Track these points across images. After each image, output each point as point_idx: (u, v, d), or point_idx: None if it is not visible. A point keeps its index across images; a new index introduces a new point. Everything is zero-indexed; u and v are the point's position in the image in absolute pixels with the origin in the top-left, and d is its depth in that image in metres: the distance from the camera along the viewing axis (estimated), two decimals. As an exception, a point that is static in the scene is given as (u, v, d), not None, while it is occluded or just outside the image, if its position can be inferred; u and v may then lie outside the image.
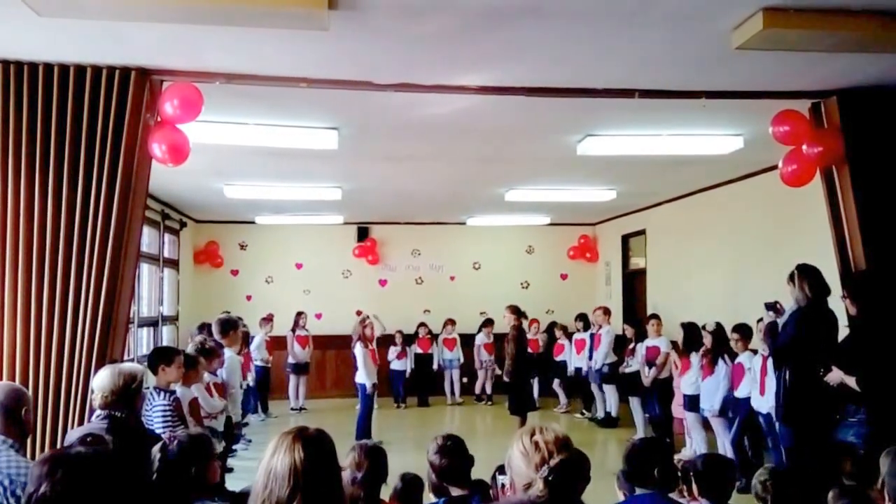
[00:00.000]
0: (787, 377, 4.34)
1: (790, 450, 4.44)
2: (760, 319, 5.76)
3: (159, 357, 4.31)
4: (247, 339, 9.51)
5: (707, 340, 6.95)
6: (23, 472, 2.49)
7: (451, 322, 11.48)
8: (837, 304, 4.52)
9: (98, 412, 3.08)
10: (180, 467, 2.67)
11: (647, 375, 8.11)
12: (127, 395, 3.08)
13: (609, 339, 9.35)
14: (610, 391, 9.42)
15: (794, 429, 4.42)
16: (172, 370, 4.25)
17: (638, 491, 2.94)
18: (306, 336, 10.74)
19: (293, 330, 10.65)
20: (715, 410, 6.75)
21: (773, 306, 5.18)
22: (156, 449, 2.73)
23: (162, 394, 4.13)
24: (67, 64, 3.99)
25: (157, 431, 3.88)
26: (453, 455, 3.19)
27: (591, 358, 9.66)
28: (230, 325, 5.96)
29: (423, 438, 8.45)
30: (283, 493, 1.83)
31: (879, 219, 4.48)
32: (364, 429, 8.26)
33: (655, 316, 8.49)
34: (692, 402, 7.12)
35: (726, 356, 6.74)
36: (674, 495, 3.40)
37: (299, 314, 10.72)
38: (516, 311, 8.10)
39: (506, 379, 7.87)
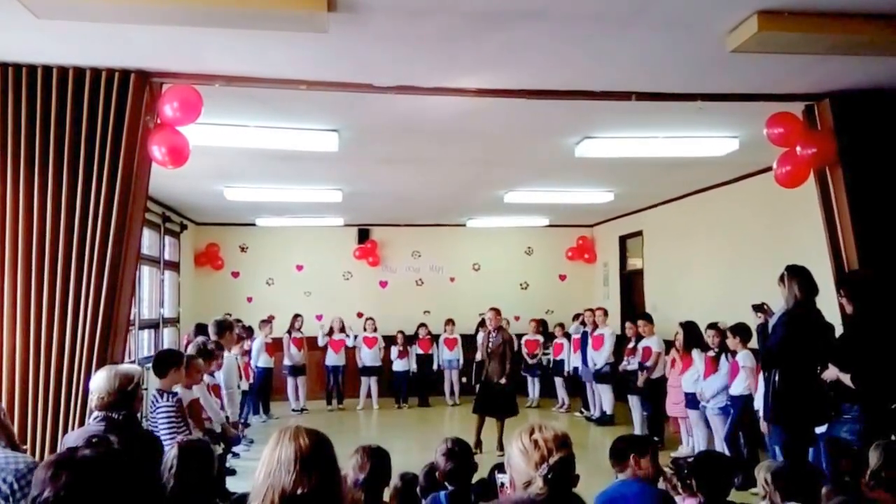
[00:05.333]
0: (776, 378, 4.36)
1: (782, 448, 4.46)
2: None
3: (171, 360, 4.35)
4: (250, 335, 9.57)
5: (713, 341, 6.98)
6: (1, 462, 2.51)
7: (451, 322, 11.50)
8: (828, 303, 4.55)
9: (95, 414, 3.08)
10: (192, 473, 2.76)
11: (642, 375, 8.19)
12: (124, 397, 3.07)
13: (612, 340, 9.36)
14: (605, 390, 9.44)
15: (782, 427, 4.44)
16: (182, 372, 4.35)
17: (620, 477, 3.29)
18: (301, 338, 10.76)
19: (289, 332, 10.68)
20: (717, 408, 6.78)
21: (759, 307, 5.18)
22: (171, 455, 2.80)
23: (165, 395, 4.15)
24: (66, 66, 4.01)
25: (162, 433, 3.91)
26: (460, 459, 3.34)
27: (584, 357, 9.69)
28: (226, 327, 5.99)
29: (423, 438, 8.46)
30: (287, 479, 1.81)
31: (872, 219, 4.52)
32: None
33: (643, 316, 8.55)
34: (695, 400, 7.13)
35: (728, 354, 6.76)
36: (670, 491, 3.46)
37: (295, 317, 10.75)
38: (500, 313, 8.11)
39: (503, 382, 7.85)
